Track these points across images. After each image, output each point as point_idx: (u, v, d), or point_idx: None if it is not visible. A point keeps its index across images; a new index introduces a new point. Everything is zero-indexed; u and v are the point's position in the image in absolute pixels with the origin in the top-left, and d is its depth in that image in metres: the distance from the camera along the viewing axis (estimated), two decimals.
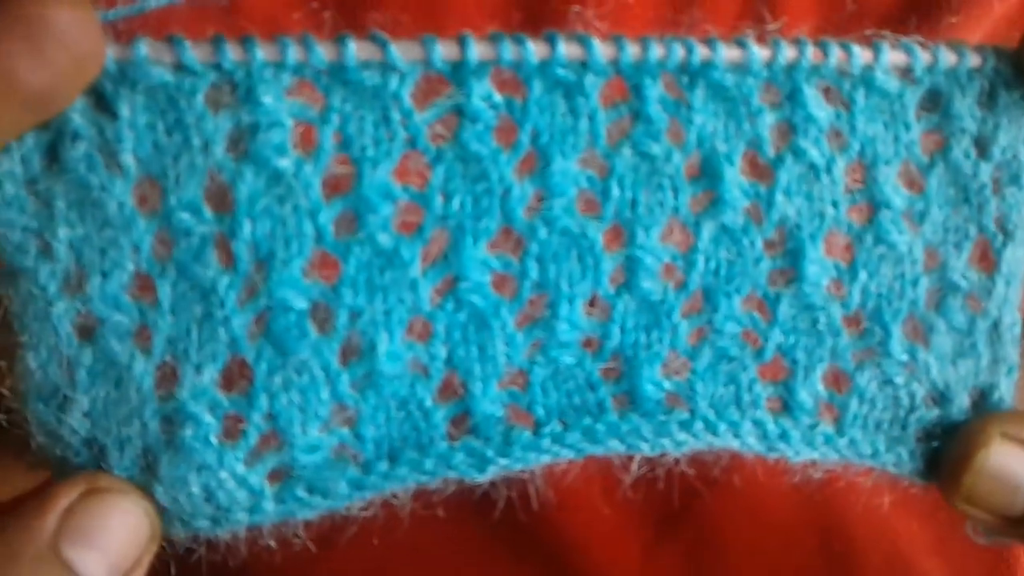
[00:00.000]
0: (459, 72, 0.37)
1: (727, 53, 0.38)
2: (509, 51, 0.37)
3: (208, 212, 0.36)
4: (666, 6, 0.49)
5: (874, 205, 0.42)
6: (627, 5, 0.47)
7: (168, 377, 0.37)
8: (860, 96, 0.40)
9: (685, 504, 0.55)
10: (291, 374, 0.38)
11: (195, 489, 0.37)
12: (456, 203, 0.38)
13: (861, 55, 0.39)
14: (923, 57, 0.40)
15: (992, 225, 0.43)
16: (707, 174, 0.40)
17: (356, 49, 0.36)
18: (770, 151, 0.40)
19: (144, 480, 0.37)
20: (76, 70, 0.32)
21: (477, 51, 0.37)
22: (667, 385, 0.41)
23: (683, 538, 0.57)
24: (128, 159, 0.35)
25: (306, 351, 0.38)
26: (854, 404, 0.43)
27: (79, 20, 0.31)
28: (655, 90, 0.39)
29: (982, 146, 0.42)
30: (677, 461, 0.43)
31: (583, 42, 0.37)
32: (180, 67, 0.35)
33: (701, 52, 0.38)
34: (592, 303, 0.41)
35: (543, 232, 0.39)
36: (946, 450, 0.43)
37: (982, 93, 0.41)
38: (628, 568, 0.57)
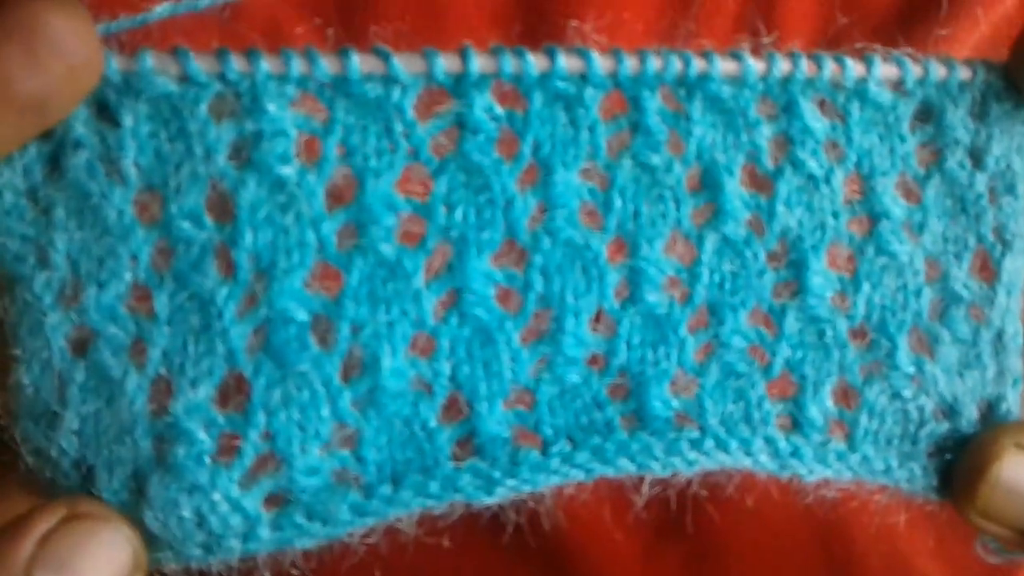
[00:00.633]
0: (461, 85, 0.37)
1: (723, 66, 0.39)
2: (510, 64, 0.37)
3: (209, 221, 0.35)
4: (662, 20, 0.50)
5: (873, 216, 0.42)
6: (624, 19, 0.48)
7: (162, 393, 0.35)
8: (855, 108, 0.41)
9: (685, 509, 0.53)
10: (291, 390, 0.37)
11: (186, 513, 0.35)
12: (459, 215, 0.38)
13: (854, 68, 0.40)
14: (914, 70, 0.41)
15: (990, 235, 0.43)
16: (708, 186, 0.40)
17: (359, 62, 0.36)
18: (769, 163, 0.41)
19: (133, 504, 0.35)
20: (72, 78, 0.32)
21: (478, 64, 0.37)
22: (675, 403, 0.41)
23: (683, 541, 0.56)
24: (129, 168, 0.35)
25: (306, 365, 0.37)
26: (864, 419, 0.42)
27: (75, 28, 0.31)
28: (654, 102, 0.39)
29: (976, 157, 0.43)
30: (689, 482, 0.42)
31: (582, 55, 0.38)
32: (184, 78, 0.35)
33: (698, 65, 0.39)
34: (597, 319, 0.40)
35: (547, 244, 0.39)
36: (958, 464, 0.42)
37: (974, 105, 0.42)
38: None
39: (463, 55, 0.37)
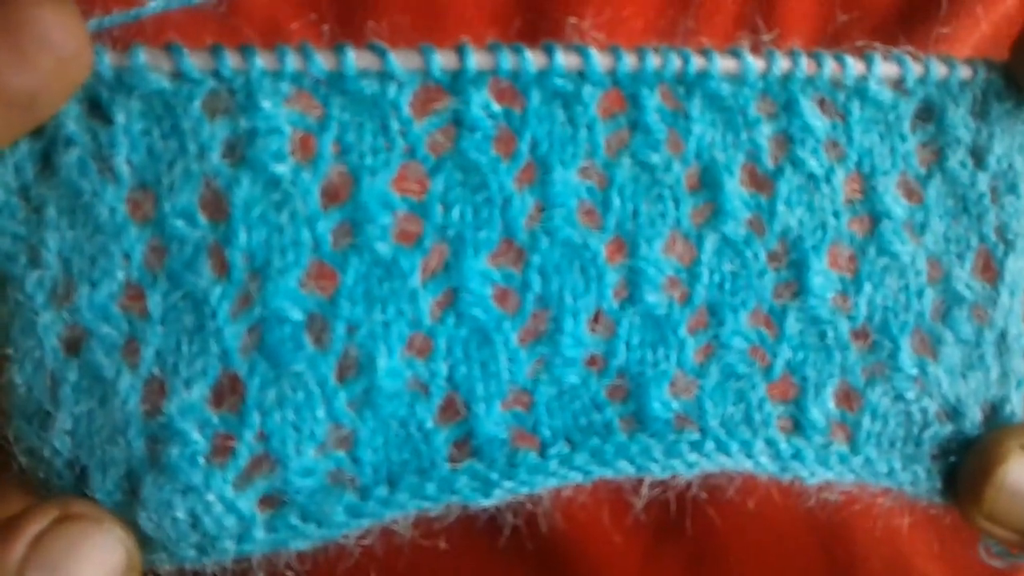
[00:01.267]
0: (458, 82, 0.37)
1: (722, 63, 0.39)
2: (507, 61, 0.37)
3: (203, 219, 0.35)
4: (662, 17, 0.50)
5: (874, 216, 0.41)
6: (623, 16, 0.48)
7: (155, 393, 0.35)
8: (855, 107, 0.41)
9: (685, 511, 0.53)
10: (285, 390, 0.36)
11: (180, 514, 0.35)
12: (456, 213, 0.38)
13: (854, 66, 0.40)
14: (915, 69, 0.41)
15: (992, 235, 0.43)
16: (707, 185, 0.40)
17: (355, 58, 0.36)
18: (769, 162, 0.40)
19: (127, 505, 0.35)
20: (61, 71, 0.32)
21: (475, 60, 0.37)
22: (675, 405, 0.40)
23: (683, 544, 0.55)
24: (122, 165, 0.34)
25: (301, 365, 0.36)
26: (866, 421, 0.42)
27: (62, 21, 0.31)
28: (653, 100, 0.39)
29: (978, 156, 0.42)
30: (689, 485, 0.41)
31: (581, 52, 0.38)
32: (178, 75, 0.34)
33: (697, 62, 0.39)
34: (596, 319, 0.40)
35: (545, 243, 0.38)
36: (963, 467, 0.42)
37: (975, 104, 0.42)
38: None
39: (460, 52, 0.37)
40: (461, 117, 0.37)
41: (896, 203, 0.42)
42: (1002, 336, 0.43)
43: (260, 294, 0.35)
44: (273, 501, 0.36)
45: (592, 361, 0.40)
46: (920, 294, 0.42)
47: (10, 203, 0.34)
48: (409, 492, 0.37)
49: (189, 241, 0.35)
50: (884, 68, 0.41)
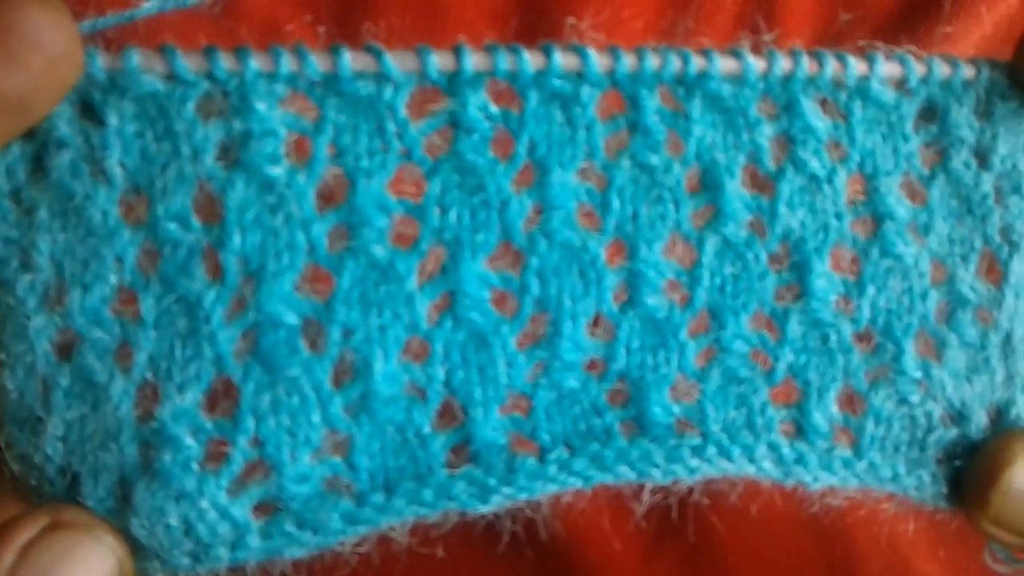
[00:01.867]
0: (455, 83, 0.37)
1: (723, 64, 0.38)
2: (505, 62, 0.37)
3: (196, 222, 0.35)
4: (661, 17, 0.49)
5: (877, 217, 0.41)
6: (622, 17, 0.48)
7: (148, 398, 0.35)
8: (857, 108, 0.40)
9: (687, 517, 0.52)
10: (280, 395, 0.36)
11: (173, 521, 0.35)
12: (453, 216, 0.37)
13: (856, 66, 0.40)
14: (917, 68, 0.40)
15: (997, 236, 0.42)
16: (708, 187, 0.40)
17: (351, 59, 0.35)
18: (770, 163, 0.40)
19: (119, 512, 0.34)
20: (52, 72, 0.31)
21: (472, 61, 0.36)
22: (676, 409, 0.40)
23: (684, 550, 0.55)
24: (114, 168, 0.34)
25: (297, 370, 0.36)
26: (870, 426, 0.41)
27: (51, 22, 0.31)
28: (652, 101, 0.38)
29: (982, 157, 0.42)
30: (691, 490, 0.41)
31: (579, 53, 0.37)
32: (171, 77, 0.34)
33: (697, 63, 0.38)
34: (596, 323, 0.39)
35: (543, 246, 0.38)
36: (968, 471, 0.41)
37: (978, 104, 0.41)
38: None
39: (457, 52, 0.36)
40: (458, 119, 0.37)
41: (899, 204, 0.41)
42: (1007, 338, 0.42)
43: (254, 298, 0.35)
44: (268, 508, 0.36)
45: (592, 365, 0.39)
46: (924, 296, 0.41)
47: (1, 206, 0.33)
48: (406, 498, 0.37)
49: (183, 244, 0.35)
50: (886, 68, 0.40)
